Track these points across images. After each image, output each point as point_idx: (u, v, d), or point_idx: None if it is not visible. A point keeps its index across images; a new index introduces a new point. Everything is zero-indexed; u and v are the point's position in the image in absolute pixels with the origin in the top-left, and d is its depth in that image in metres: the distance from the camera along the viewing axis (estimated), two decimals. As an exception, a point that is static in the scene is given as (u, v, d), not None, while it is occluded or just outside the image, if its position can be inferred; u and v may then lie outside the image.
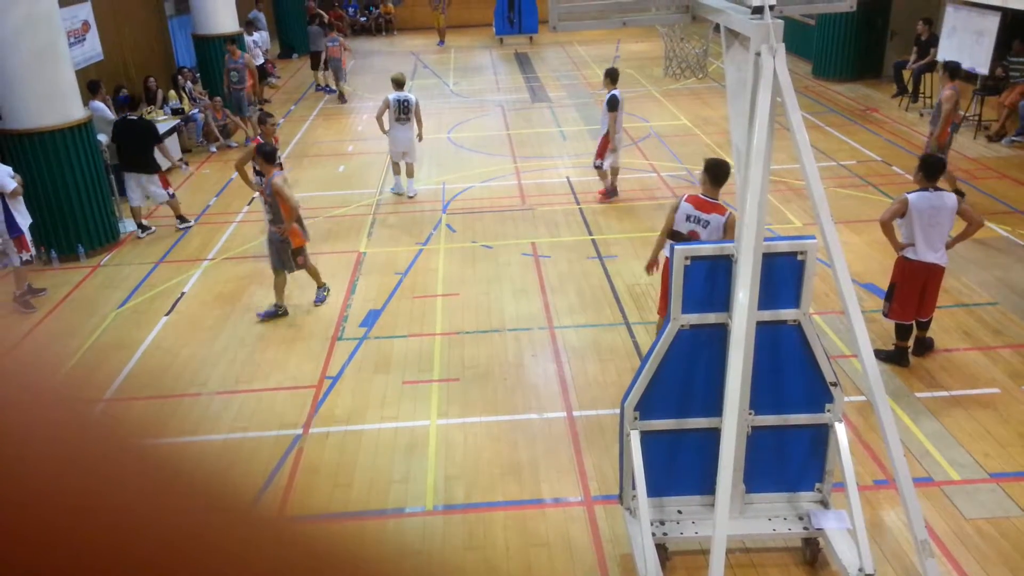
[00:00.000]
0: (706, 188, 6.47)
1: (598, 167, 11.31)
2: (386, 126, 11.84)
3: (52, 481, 0.37)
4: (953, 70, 10.53)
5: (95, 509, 0.37)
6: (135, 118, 11.32)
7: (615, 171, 11.38)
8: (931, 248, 6.87)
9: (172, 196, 11.38)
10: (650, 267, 6.91)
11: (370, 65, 21.51)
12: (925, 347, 7.38)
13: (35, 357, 0.43)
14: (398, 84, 11.91)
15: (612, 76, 11.04)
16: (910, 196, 6.90)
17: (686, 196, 6.53)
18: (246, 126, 15.70)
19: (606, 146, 11.02)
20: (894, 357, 7.27)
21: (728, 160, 6.45)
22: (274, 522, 0.42)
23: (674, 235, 6.47)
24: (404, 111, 11.73)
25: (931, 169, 6.90)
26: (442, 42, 25.22)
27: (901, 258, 7.02)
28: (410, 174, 12.13)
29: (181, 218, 11.46)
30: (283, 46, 24.62)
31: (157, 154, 11.32)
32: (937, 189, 6.88)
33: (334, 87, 19.17)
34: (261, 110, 9.93)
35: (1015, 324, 7.89)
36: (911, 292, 6.99)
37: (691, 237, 6.37)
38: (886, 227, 6.93)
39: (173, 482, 0.41)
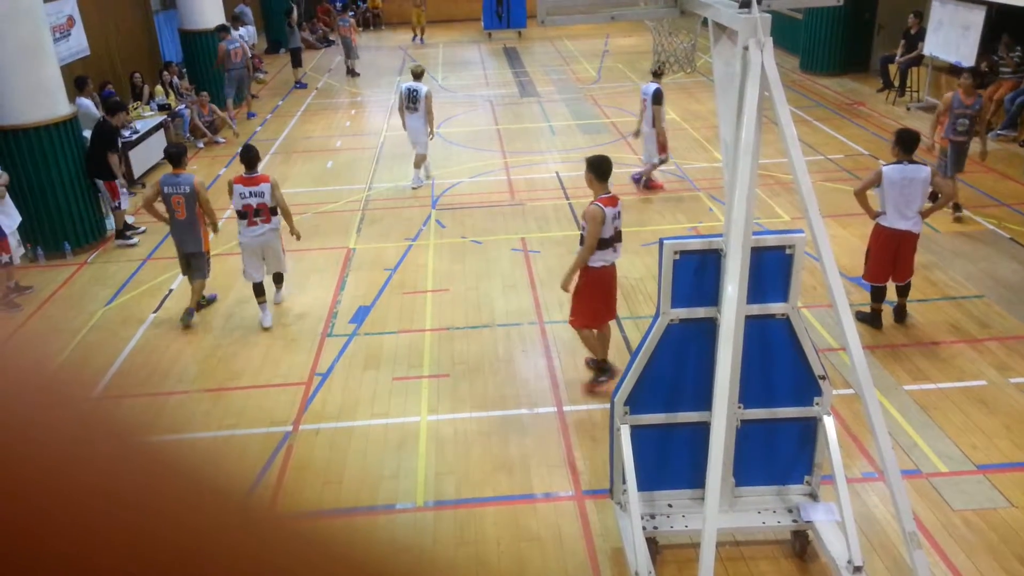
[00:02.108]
0: (602, 186, 6.43)
1: (663, 161, 11.30)
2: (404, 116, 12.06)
3: (52, 477, 0.37)
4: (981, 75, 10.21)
5: (96, 505, 0.37)
6: (102, 119, 10.74)
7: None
8: (902, 216, 7.38)
9: (116, 208, 10.77)
10: (569, 286, 6.70)
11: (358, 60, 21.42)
12: (902, 315, 7.85)
13: (27, 354, 0.43)
14: (413, 75, 12.05)
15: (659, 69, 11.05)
16: (884, 168, 7.41)
17: (601, 203, 6.37)
18: (232, 120, 15.73)
19: (664, 140, 11.06)
20: (869, 319, 7.83)
21: (608, 157, 6.57)
22: (274, 519, 0.42)
23: (604, 242, 6.46)
24: (412, 100, 11.83)
25: (907, 143, 7.35)
26: (421, 39, 24.80)
27: (876, 225, 7.57)
28: (416, 164, 12.30)
29: (119, 233, 10.86)
30: (270, 41, 24.51)
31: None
32: (912, 162, 7.33)
33: (347, 66, 20.53)
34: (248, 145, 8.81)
35: (1001, 317, 7.95)
36: (884, 256, 7.53)
37: (618, 232, 6.54)
38: (859, 196, 7.54)
39: (173, 478, 0.41)
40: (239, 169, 8.25)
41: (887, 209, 7.39)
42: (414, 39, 25.00)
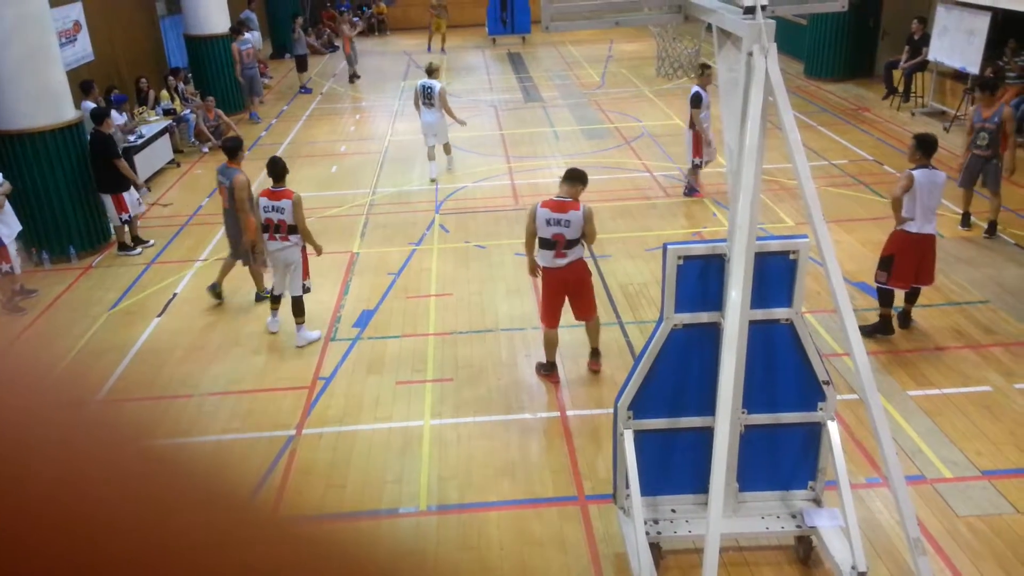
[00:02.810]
0: (562, 190, 6.77)
1: (697, 165, 11.27)
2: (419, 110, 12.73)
3: (53, 483, 0.37)
4: (992, 88, 9.86)
5: (102, 511, 0.36)
6: (93, 131, 10.38)
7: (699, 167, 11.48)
8: (928, 220, 7.39)
9: (124, 221, 10.59)
10: (533, 269, 7.14)
11: (363, 66, 21.46)
12: (908, 321, 7.83)
13: (32, 358, 0.43)
14: (427, 72, 12.64)
15: (700, 71, 11.29)
16: (915, 172, 7.36)
17: (540, 203, 6.76)
18: (255, 115, 17.25)
19: (699, 143, 11.04)
20: (879, 328, 7.68)
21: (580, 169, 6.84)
22: (280, 523, 0.42)
23: (542, 242, 6.79)
24: (428, 97, 12.44)
25: (927, 147, 7.38)
26: (443, 49, 23.75)
27: (901, 231, 7.46)
28: (446, 152, 13.02)
29: (122, 245, 10.68)
30: (275, 46, 24.57)
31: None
32: (932, 166, 7.39)
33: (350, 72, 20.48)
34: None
35: (1006, 322, 7.93)
36: (910, 262, 7.47)
37: (557, 239, 6.71)
38: (897, 202, 7.40)
39: (176, 483, 0.41)
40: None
41: (916, 213, 7.34)
42: (429, 49, 23.89)
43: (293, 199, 7.75)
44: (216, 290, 9.04)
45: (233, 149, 8.68)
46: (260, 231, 8.06)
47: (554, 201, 6.73)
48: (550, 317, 7.10)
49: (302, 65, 20.13)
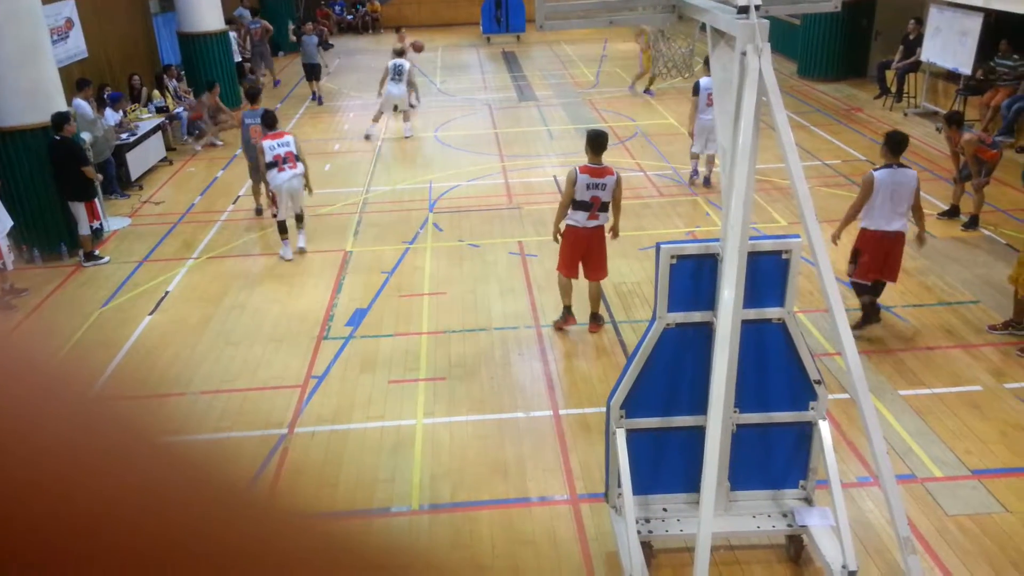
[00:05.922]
0: (591, 157, 7.41)
1: (693, 154, 11.73)
2: (383, 87, 15.06)
3: (58, 479, 0.36)
4: (959, 122, 10.03)
5: (106, 508, 0.36)
6: (59, 138, 9.92)
7: (711, 159, 11.50)
8: (891, 219, 7.36)
9: (91, 230, 10.33)
10: (556, 235, 7.78)
11: (356, 64, 21.43)
12: (876, 313, 7.79)
13: (27, 352, 0.42)
14: (396, 53, 14.96)
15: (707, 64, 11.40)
16: (875, 173, 7.40)
17: (579, 168, 7.42)
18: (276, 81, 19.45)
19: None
20: (866, 319, 7.77)
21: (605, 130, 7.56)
22: (294, 515, 0.42)
23: (577, 204, 7.47)
24: (398, 73, 14.74)
25: (895, 146, 7.40)
26: (649, 90, 17.61)
27: (864, 228, 7.55)
28: (406, 119, 15.31)
29: (88, 255, 10.30)
30: (269, 43, 24.45)
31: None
32: (901, 165, 7.37)
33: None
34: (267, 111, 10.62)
35: (997, 322, 7.95)
36: (874, 258, 7.54)
37: (594, 201, 7.45)
38: (853, 209, 7.59)
39: (186, 475, 0.41)
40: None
41: (876, 212, 7.37)
42: (632, 87, 17.93)
43: (293, 135, 10.01)
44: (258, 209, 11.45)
45: (254, 95, 11.35)
46: (266, 170, 9.78)
47: (591, 167, 7.36)
48: (570, 268, 7.81)
49: (312, 73, 18.19)
